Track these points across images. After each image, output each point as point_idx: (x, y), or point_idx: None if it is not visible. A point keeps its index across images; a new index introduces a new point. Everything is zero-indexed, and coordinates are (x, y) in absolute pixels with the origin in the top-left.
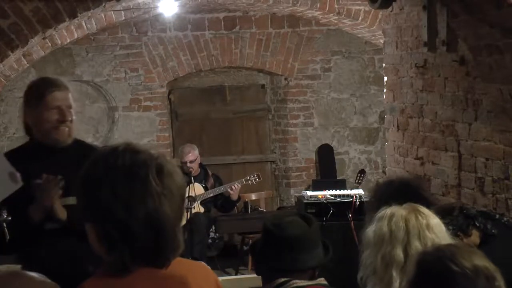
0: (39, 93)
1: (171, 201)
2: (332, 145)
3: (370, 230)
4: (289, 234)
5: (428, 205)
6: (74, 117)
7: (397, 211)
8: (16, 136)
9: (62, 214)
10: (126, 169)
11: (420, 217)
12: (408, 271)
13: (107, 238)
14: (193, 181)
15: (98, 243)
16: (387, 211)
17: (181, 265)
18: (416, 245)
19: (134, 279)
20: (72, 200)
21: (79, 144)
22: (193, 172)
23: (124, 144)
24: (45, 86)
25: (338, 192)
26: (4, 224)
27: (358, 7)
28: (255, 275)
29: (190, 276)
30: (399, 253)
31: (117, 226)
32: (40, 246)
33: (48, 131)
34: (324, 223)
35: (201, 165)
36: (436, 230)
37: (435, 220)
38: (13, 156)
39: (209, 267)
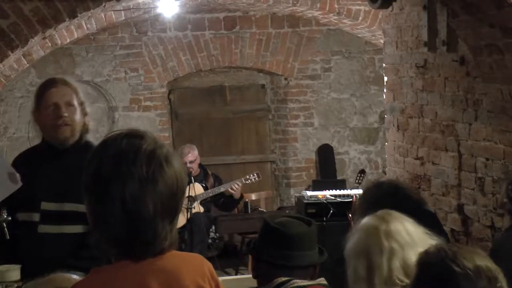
0: (38, 93)
1: (155, 190)
2: (332, 145)
3: (348, 243)
4: (295, 231)
5: (418, 206)
6: (77, 115)
7: (364, 222)
8: (16, 136)
9: None
10: (117, 150)
11: (380, 226)
12: (374, 285)
13: (90, 217)
14: (193, 181)
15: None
16: (361, 222)
17: (173, 259)
18: (374, 260)
19: (116, 274)
20: (68, 207)
21: (86, 145)
22: (193, 172)
23: (128, 129)
24: (44, 85)
25: (338, 192)
26: (4, 224)
27: (358, 7)
28: None
29: (183, 270)
30: (361, 269)
31: (95, 206)
32: (33, 247)
33: (48, 130)
34: (324, 223)
35: (200, 165)
36: (397, 237)
37: (399, 225)
38: (23, 157)
39: (203, 257)
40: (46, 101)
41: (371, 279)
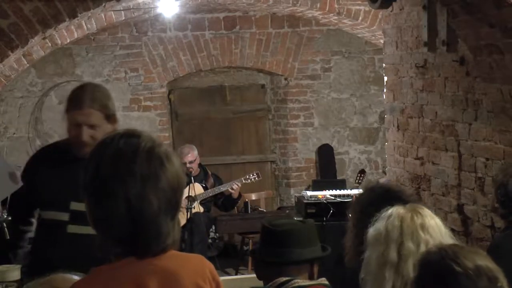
0: (66, 107)
1: (158, 187)
2: (332, 145)
3: (371, 229)
4: (283, 228)
5: None
6: (100, 132)
7: (396, 210)
8: (16, 136)
9: None
10: (115, 150)
11: (415, 217)
12: (401, 271)
13: (91, 217)
14: (193, 181)
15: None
16: (389, 210)
17: (174, 259)
18: (409, 246)
19: (115, 274)
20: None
21: None
22: (192, 172)
23: (124, 129)
24: (71, 102)
25: (338, 192)
26: (4, 224)
27: (358, 7)
28: (255, 275)
29: (182, 270)
30: (392, 253)
31: (95, 207)
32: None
33: (71, 140)
34: (324, 223)
35: (200, 165)
36: (431, 231)
37: (432, 221)
38: (45, 152)
39: (204, 258)
40: (70, 119)
41: (400, 265)
